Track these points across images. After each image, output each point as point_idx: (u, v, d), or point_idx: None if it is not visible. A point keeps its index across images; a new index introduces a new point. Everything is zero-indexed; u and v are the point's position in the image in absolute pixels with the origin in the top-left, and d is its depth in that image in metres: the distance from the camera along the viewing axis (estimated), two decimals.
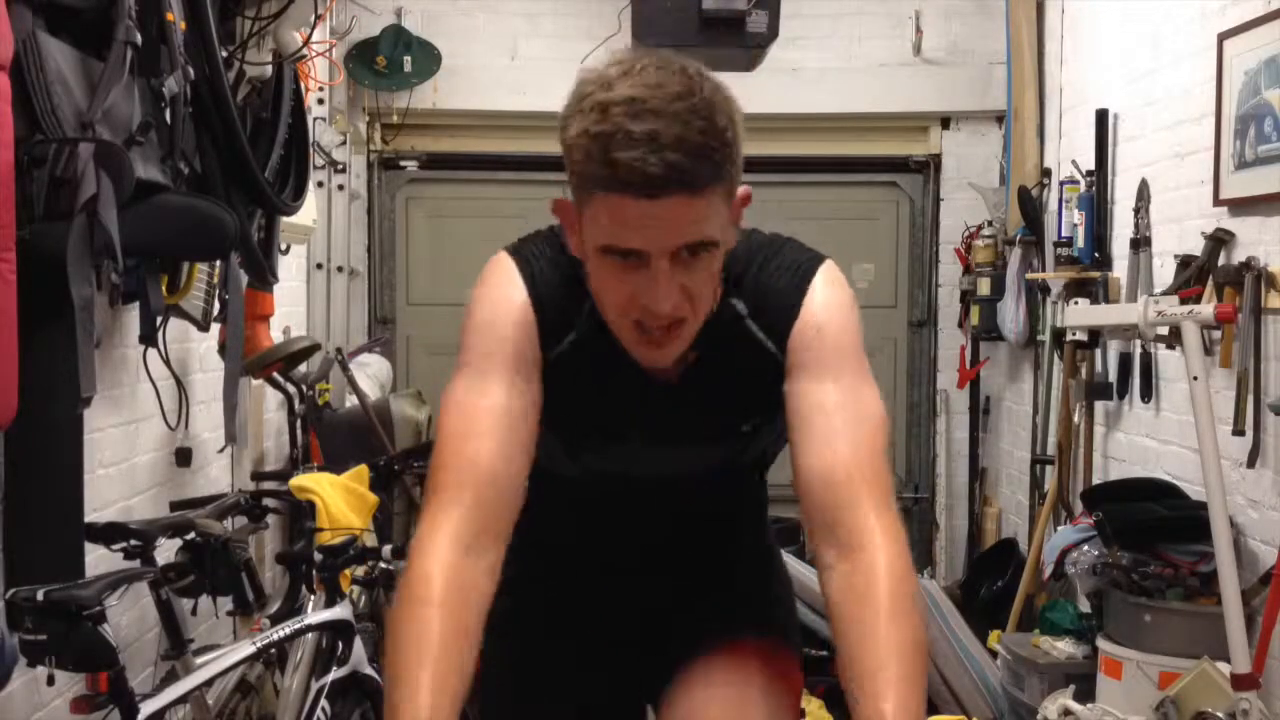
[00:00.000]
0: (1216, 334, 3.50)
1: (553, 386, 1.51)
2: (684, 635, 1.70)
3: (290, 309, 4.96)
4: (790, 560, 4.32)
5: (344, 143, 5.44)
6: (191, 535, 2.84)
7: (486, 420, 1.43)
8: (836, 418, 1.44)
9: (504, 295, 1.51)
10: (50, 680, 2.37)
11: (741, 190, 1.42)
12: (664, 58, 1.36)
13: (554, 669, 1.74)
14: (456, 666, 1.31)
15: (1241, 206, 3.58)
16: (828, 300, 1.51)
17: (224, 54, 3.04)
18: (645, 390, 1.54)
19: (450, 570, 1.35)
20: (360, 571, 3.31)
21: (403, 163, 5.88)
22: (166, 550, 2.88)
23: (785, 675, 1.69)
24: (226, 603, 3.03)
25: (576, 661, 1.74)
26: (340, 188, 5.44)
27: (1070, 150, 4.89)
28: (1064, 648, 3.94)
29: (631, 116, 1.30)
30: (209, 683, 2.78)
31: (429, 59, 5.52)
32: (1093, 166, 4.58)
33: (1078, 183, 4.66)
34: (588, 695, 1.74)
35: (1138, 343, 4.11)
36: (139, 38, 2.51)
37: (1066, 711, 3.63)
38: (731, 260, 1.48)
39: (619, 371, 1.52)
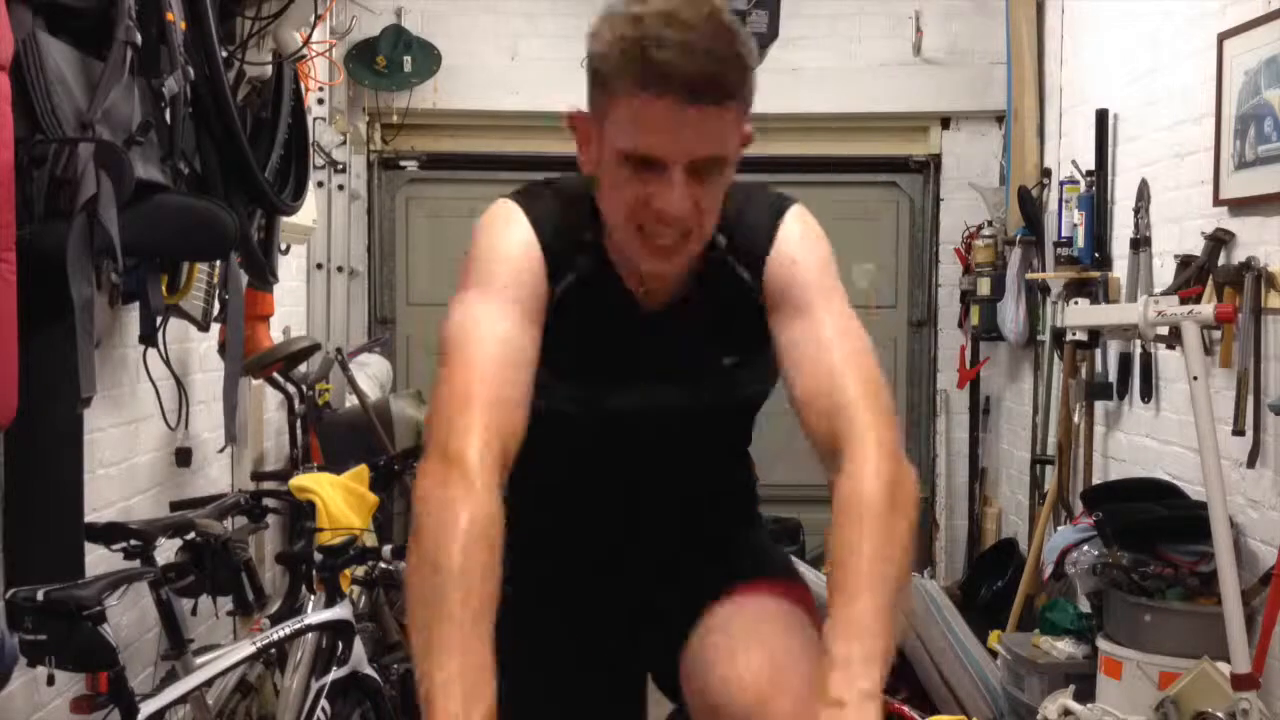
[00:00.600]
0: (1216, 334, 3.50)
1: (551, 324, 1.53)
2: (686, 604, 1.70)
3: (290, 309, 4.96)
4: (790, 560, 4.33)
5: (344, 143, 5.44)
6: (191, 535, 2.84)
7: (494, 345, 1.44)
8: (822, 338, 1.49)
9: (509, 231, 1.54)
10: (50, 680, 2.37)
11: (746, 128, 1.48)
12: None
13: (550, 641, 1.73)
14: (492, 612, 1.28)
15: (1241, 206, 3.58)
16: (800, 233, 1.58)
17: (224, 54, 3.04)
18: (635, 320, 1.59)
19: (488, 501, 1.32)
20: (360, 571, 3.31)
21: (403, 163, 5.88)
22: (166, 550, 2.88)
23: (799, 600, 1.68)
24: (226, 603, 3.03)
25: (571, 632, 1.73)
26: (340, 188, 5.44)
27: (1070, 150, 4.89)
28: (1064, 648, 3.94)
29: (667, 24, 1.37)
30: (209, 683, 2.78)
31: (429, 59, 5.52)
32: (1093, 166, 4.58)
33: (1078, 183, 4.66)
34: (586, 666, 1.73)
35: (1138, 343, 4.11)
36: (139, 38, 2.51)
37: (1066, 711, 3.63)
38: None
39: (614, 303, 1.57)
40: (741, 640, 1.53)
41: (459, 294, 1.50)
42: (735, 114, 1.43)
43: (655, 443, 1.66)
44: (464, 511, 1.30)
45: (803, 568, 4.34)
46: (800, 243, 1.57)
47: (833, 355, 1.47)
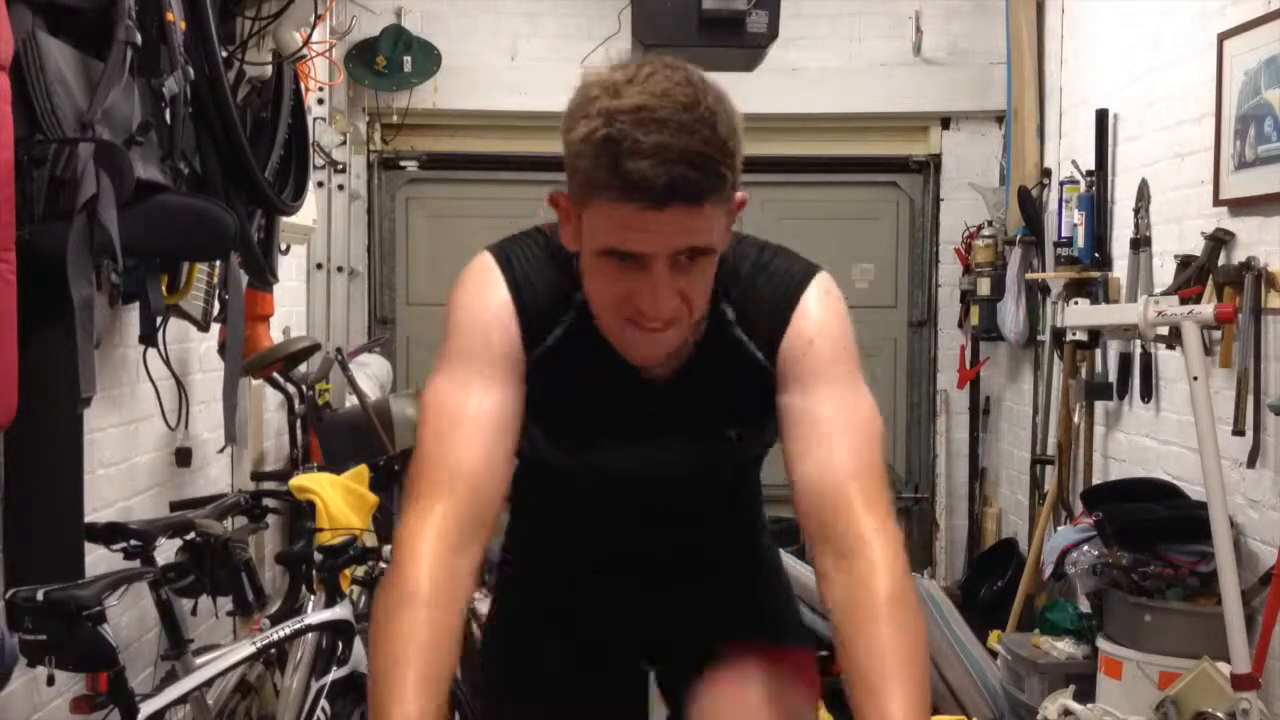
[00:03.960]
0: (1216, 334, 3.50)
1: (540, 382, 1.52)
2: (692, 644, 1.71)
3: (290, 309, 4.96)
4: (790, 560, 4.33)
5: (344, 143, 5.44)
6: (191, 535, 2.84)
7: (468, 421, 1.44)
8: (829, 427, 1.45)
9: (484, 294, 1.52)
10: (50, 680, 2.37)
11: (739, 195, 1.44)
12: (668, 63, 1.37)
13: (553, 669, 1.74)
14: (443, 668, 1.32)
15: (1241, 206, 3.58)
16: (820, 312, 1.52)
17: (224, 54, 3.03)
18: (633, 387, 1.55)
19: (436, 569, 1.36)
20: (360, 571, 3.30)
21: (403, 163, 5.88)
22: (166, 550, 2.88)
23: (802, 673, 1.71)
24: (226, 603, 3.02)
25: (577, 662, 1.74)
26: (340, 188, 5.45)
27: (1070, 150, 4.89)
28: (1064, 648, 3.94)
29: (638, 125, 1.31)
30: (209, 683, 2.78)
31: (429, 59, 5.52)
32: (1093, 166, 4.58)
33: (1078, 183, 4.66)
34: (587, 695, 1.74)
35: (1138, 343, 4.11)
36: (139, 38, 2.50)
37: (1066, 711, 3.63)
38: (720, 263, 1.49)
39: (609, 367, 1.53)
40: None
41: (437, 364, 1.50)
42: (718, 204, 1.38)
43: (654, 499, 1.67)
44: (398, 592, 1.35)
45: (802, 568, 4.35)
46: (820, 322, 1.52)
47: (837, 448, 1.44)
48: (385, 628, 1.34)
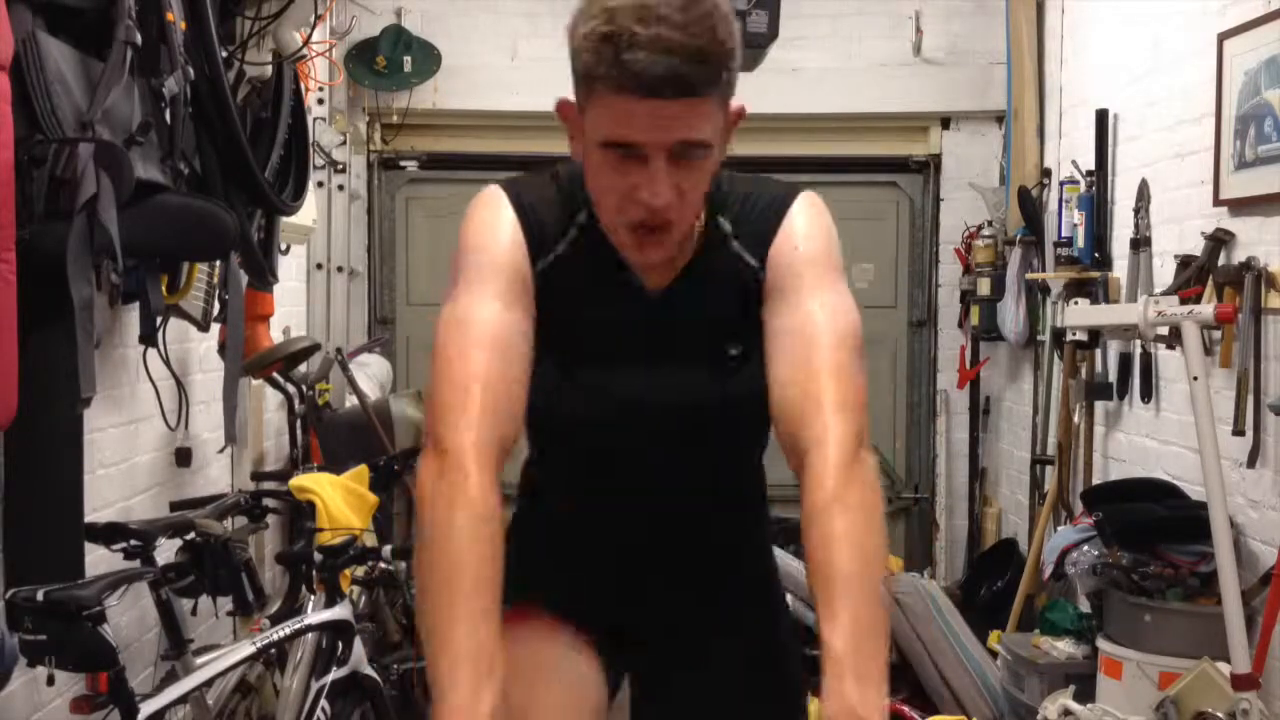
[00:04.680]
0: (1216, 334, 3.50)
1: (545, 299, 1.54)
2: (674, 651, 1.72)
3: (290, 309, 4.96)
4: (790, 560, 4.34)
5: (344, 143, 5.44)
6: (191, 535, 2.84)
7: (488, 338, 1.46)
8: (807, 331, 1.48)
9: (490, 216, 1.56)
10: (50, 680, 2.37)
11: (736, 105, 1.48)
12: None
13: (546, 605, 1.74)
14: (498, 591, 1.34)
15: (1241, 206, 3.58)
16: (805, 220, 1.57)
17: (224, 54, 3.04)
18: (636, 298, 1.59)
19: (488, 485, 1.37)
20: (360, 571, 3.31)
21: (403, 163, 5.88)
22: (166, 550, 2.89)
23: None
24: (226, 603, 3.03)
25: (567, 610, 1.73)
26: (340, 188, 5.45)
27: (1070, 150, 4.89)
28: (1064, 648, 3.94)
29: (638, 21, 1.36)
30: (209, 683, 2.78)
31: (429, 59, 5.52)
32: (1093, 166, 4.58)
33: (1078, 183, 4.66)
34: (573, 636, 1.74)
35: (1138, 343, 4.10)
36: (139, 38, 2.51)
37: (1066, 711, 3.63)
38: (717, 186, 1.55)
39: (610, 278, 1.57)
40: None
41: (449, 288, 1.52)
42: (715, 101, 1.42)
43: (660, 428, 1.65)
44: (462, 506, 1.36)
45: (805, 570, 4.35)
46: (805, 229, 1.57)
47: (813, 349, 1.47)
48: (443, 544, 1.34)
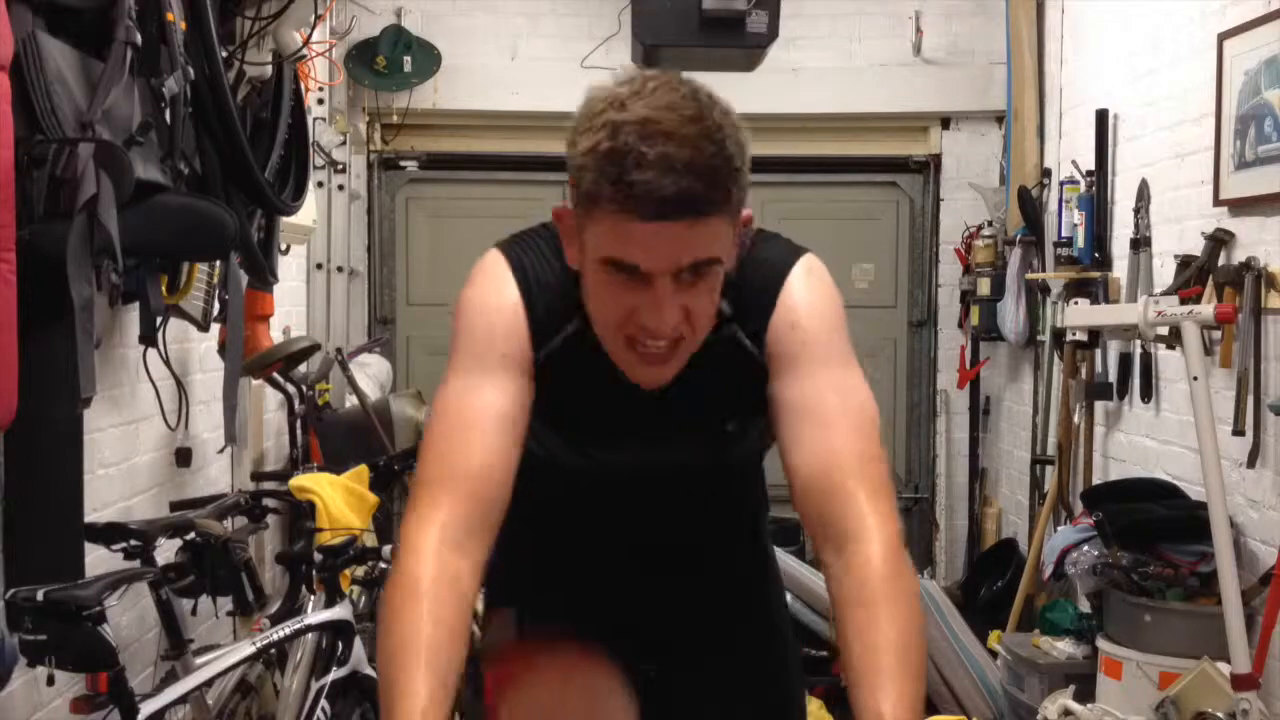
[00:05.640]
0: (1216, 334, 3.50)
1: (546, 382, 1.51)
2: (677, 662, 1.72)
3: (290, 309, 4.96)
4: (790, 560, 4.33)
5: (344, 143, 5.44)
6: (191, 535, 2.84)
7: (476, 419, 1.43)
8: (821, 414, 1.44)
9: (494, 294, 1.51)
10: (50, 680, 2.37)
11: (745, 213, 1.43)
12: (674, 78, 1.36)
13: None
14: (449, 659, 1.31)
15: (1241, 206, 3.58)
16: (804, 294, 1.51)
17: (224, 54, 3.04)
18: (631, 397, 1.54)
19: (438, 565, 1.35)
20: (360, 571, 3.31)
21: (403, 163, 5.88)
22: (166, 550, 2.88)
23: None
24: (226, 603, 3.03)
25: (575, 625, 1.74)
26: (340, 188, 5.44)
27: (1070, 150, 4.89)
28: (1064, 648, 3.94)
29: (644, 138, 1.30)
30: (209, 683, 2.78)
31: (429, 59, 5.52)
32: (1093, 166, 4.57)
33: (1078, 183, 4.66)
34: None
35: (1138, 343, 4.10)
36: (139, 38, 2.51)
37: (1066, 711, 3.63)
38: None
39: (605, 378, 1.52)
40: None
41: (449, 365, 1.49)
42: (724, 218, 1.36)
43: (653, 496, 1.66)
44: (415, 603, 1.33)
45: (804, 570, 4.36)
46: (804, 304, 1.50)
47: (831, 433, 1.42)
48: (388, 624, 1.33)
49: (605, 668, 1.68)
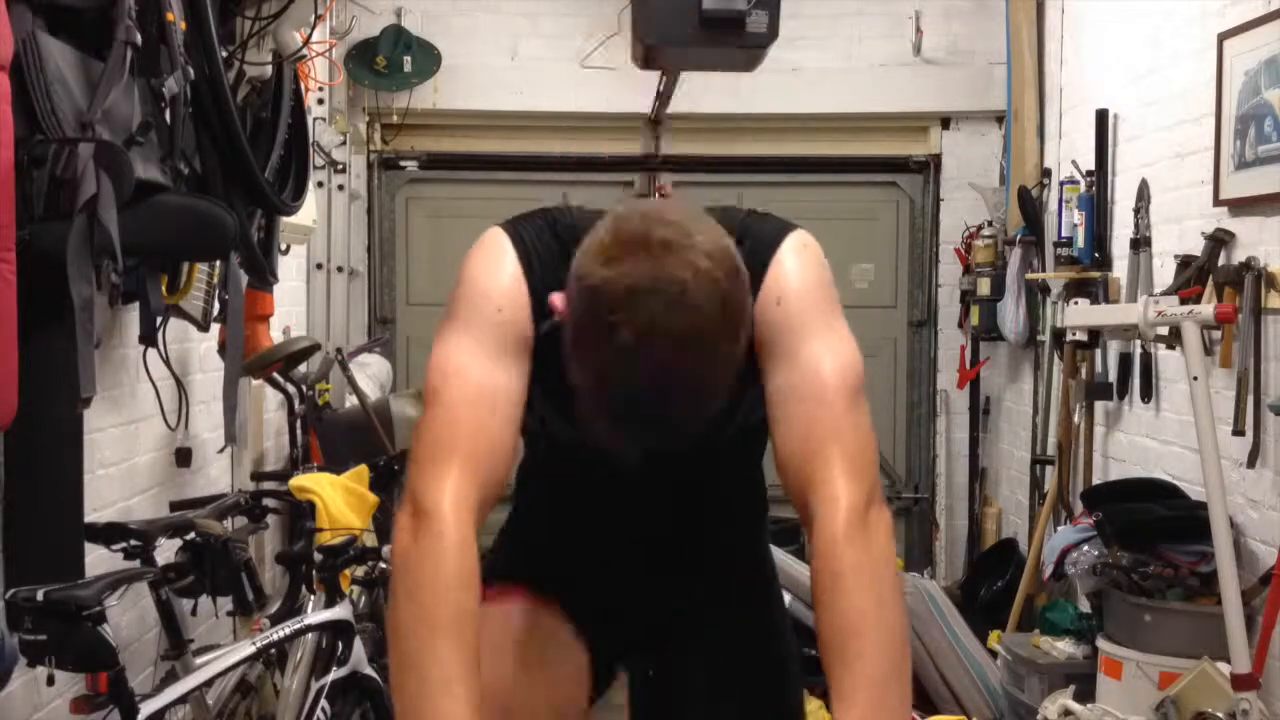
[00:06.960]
0: (1216, 334, 3.50)
1: (544, 358, 1.51)
2: (686, 686, 1.73)
3: (290, 309, 4.96)
4: (790, 560, 4.33)
5: (344, 143, 5.44)
6: (191, 535, 2.84)
7: (480, 394, 1.44)
8: (798, 395, 1.44)
9: (496, 268, 1.52)
10: (50, 680, 2.37)
11: (743, 337, 1.41)
12: (690, 263, 1.30)
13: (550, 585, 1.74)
14: (474, 608, 1.34)
15: (1241, 206, 3.58)
16: (790, 267, 1.51)
17: (224, 54, 3.04)
18: None
19: (461, 552, 1.35)
20: (360, 571, 3.31)
21: (403, 163, 5.88)
22: (166, 550, 2.88)
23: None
24: (226, 603, 3.03)
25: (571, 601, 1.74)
26: (340, 188, 5.44)
27: (1070, 150, 4.89)
28: (1064, 648, 3.94)
29: (645, 403, 1.32)
30: (209, 683, 2.78)
31: (429, 59, 5.52)
32: (1093, 166, 4.57)
33: (1078, 183, 4.66)
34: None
35: (1138, 343, 4.10)
36: (139, 38, 2.51)
37: (1066, 711, 3.63)
38: None
39: None
40: None
41: (444, 328, 1.49)
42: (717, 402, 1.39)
43: (649, 476, 1.66)
44: (440, 566, 1.33)
45: (802, 568, 4.35)
46: (789, 278, 1.50)
47: (811, 404, 1.42)
48: (410, 586, 1.33)
49: (567, 630, 1.69)
